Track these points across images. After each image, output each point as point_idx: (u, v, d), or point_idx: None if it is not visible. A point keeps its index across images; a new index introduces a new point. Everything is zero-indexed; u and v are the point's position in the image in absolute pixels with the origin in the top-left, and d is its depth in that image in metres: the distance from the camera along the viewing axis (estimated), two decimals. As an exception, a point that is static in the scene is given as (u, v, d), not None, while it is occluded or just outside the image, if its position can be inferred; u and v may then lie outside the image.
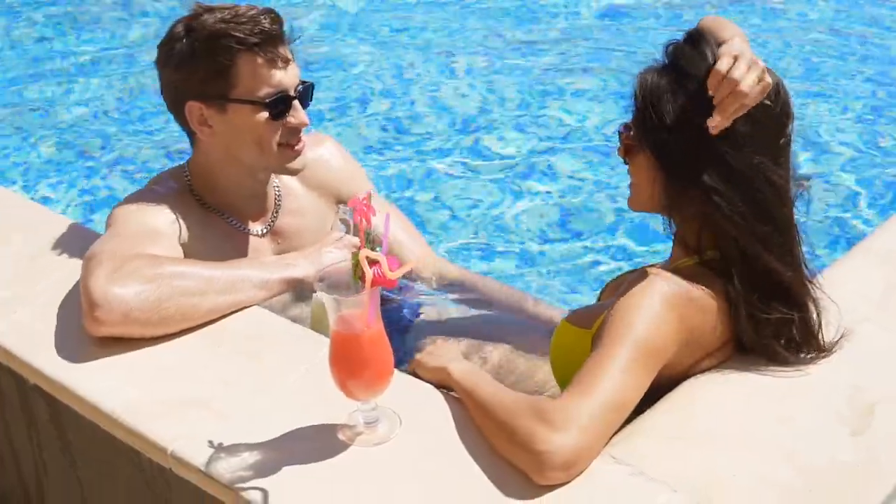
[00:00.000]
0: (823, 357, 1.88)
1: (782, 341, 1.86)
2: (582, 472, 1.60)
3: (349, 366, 1.67)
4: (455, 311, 2.64)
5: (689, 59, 1.80)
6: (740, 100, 1.72)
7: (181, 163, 2.43)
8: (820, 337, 1.89)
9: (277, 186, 2.44)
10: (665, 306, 1.73)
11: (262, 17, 2.16)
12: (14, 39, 5.96)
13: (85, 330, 1.98)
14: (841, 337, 1.90)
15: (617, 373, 1.65)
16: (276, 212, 2.44)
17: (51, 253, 2.33)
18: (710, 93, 1.73)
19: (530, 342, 2.38)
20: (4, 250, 2.38)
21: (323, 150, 2.56)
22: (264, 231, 2.41)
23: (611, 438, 1.68)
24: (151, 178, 2.46)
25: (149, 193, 2.34)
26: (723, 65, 1.72)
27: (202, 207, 2.34)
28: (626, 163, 1.92)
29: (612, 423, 1.64)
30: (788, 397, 1.81)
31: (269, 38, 2.16)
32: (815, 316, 1.88)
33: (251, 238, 2.39)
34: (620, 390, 1.64)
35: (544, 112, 4.81)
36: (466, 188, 4.18)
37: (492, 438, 1.68)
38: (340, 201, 2.54)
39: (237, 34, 2.13)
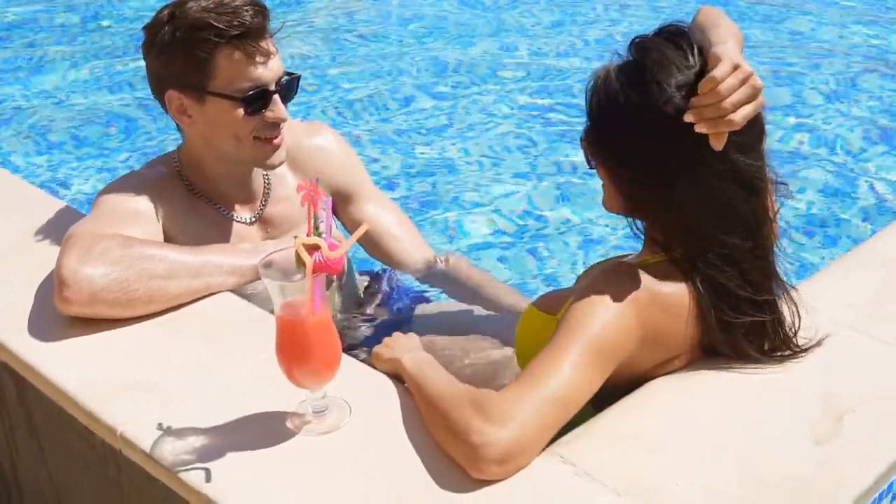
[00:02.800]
0: (798, 357, 1.82)
1: (754, 343, 1.80)
2: (521, 468, 1.56)
3: (295, 353, 1.65)
4: (448, 305, 2.61)
5: (659, 57, 1.70)
6: (720, 113, 1.60)
7: (173, 149, 2.43)
8: (794, 338, 1.83)
9: (267, 174, 2.43)
10: (625, 303, 1.68)
11: (244, 8, 2.12)
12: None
13: (56, 309, 1.99)
14: (818, 340, 1.84)
15: (565, 369, 1.60)
16: (266, 200, 2.42)
17: (35, 232, 2.34)
18: (700, 93, 1.62)
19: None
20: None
21: (320, 139, 2.54)
22: (253, 219, 2.40)
23: (560, 437, 1.64)
24: (145, 163, 2.47)
25: (136, 177, 2.34)
26: (718, 71, 1.60)
27: (190, 193, 2.34)
28: (591, 167, 1.87)
29: (555, 420, 1.58)
30: (754, 403, 1.75)
31: (250, 31, 2.12)
32: (788, 317, 1.82)
33: (239, 226, 2.38)
34: (566, 387, 1.59)
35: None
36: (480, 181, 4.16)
37: (432, 429, 1.65)
38: (335, 191, 2.52)
39: (217, 26, 2.10)
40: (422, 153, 4.42)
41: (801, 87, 4.90)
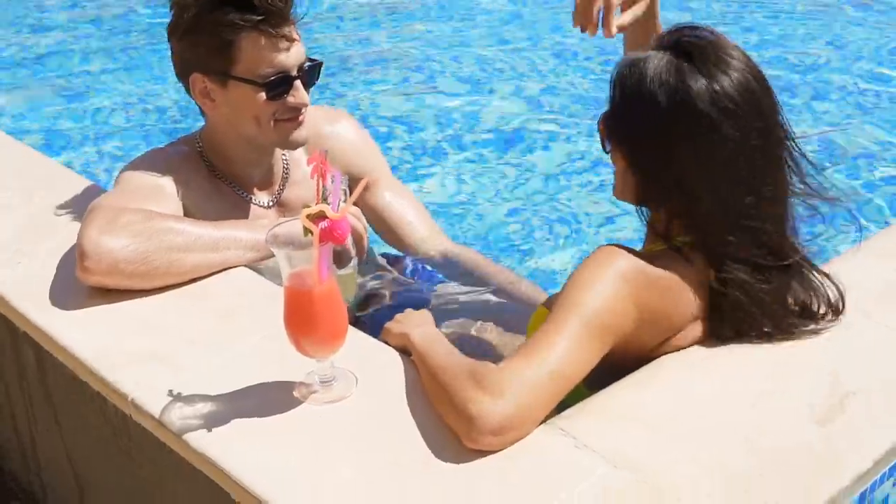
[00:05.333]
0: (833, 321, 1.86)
1: (773, 315, 1.81)
2: (516, 440, 1.58)
3: (302, 322, 1.67)
4: (461, 292, 2.63)
5: (699, 53, 1.73)
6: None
7: (196, 131, 2.46)
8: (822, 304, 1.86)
9: (286, 159, 2.46)
10: (620, 283, 1.69)
11: None
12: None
13: (77, 280, 2.03)
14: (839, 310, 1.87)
15: (562, 343, 1.62)
16: (284, 184, 2.46)
17: (58, 207, 2.40)
18: None
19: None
20: (18, 203, 2.46)
21: (338, 126, 2.58)
22: (271, 202, 2.43)
23: (560, 411, 1.66)
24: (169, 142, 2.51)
25: (159, 154, 2.39)
26: None
27: (211, 174, 2.37)
28: (606, 151, 1.88)
29: (552, 394, 1.60)
30: (759, 383, 1.76)
31: (274, 17, 2.16)
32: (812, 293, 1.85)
33: (258, 209, 2.41)
34: (563, 361, 1.60)
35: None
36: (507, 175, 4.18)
37: (433, 399, 1.67)
38: (352, 178, 2.54)
39: (241, 10, 2.14)
40: (444, 142, 4.45)
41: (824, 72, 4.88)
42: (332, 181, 1.63)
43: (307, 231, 1.60)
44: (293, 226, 1.65)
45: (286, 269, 1.65)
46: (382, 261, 2.76)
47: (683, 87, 1.71)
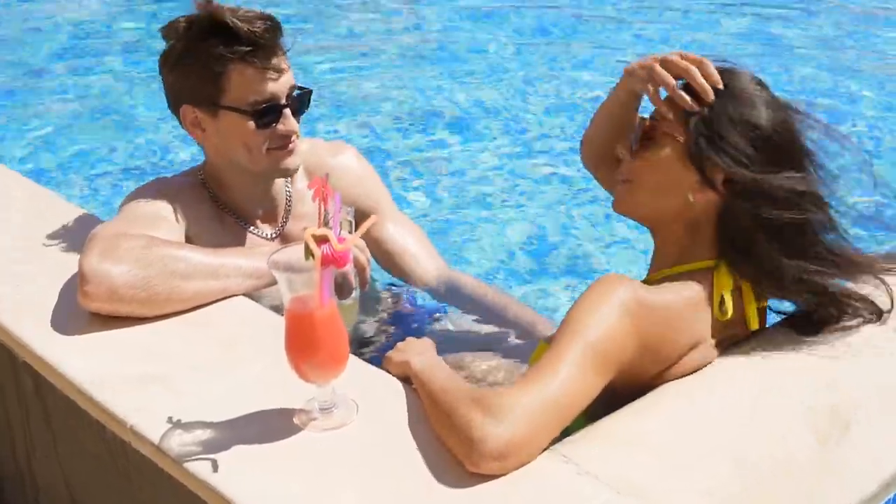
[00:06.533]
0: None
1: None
2: (519, 466, 1.56)
3: (302, 345, 1.66)
4: (464, 323, 2.62)
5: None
6: None
7: (201, 163, 2.47)
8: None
9: (289, 192, 2.46)
10: (622, 312, 1.69)
11: (257, 24, 2.17)
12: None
13: (78, 306, 2.02)
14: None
15: (563, 371, 1.61)
16: (287, 217, 2.46)
17: (59, 236, 2.39)
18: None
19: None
20: (16, 232, 2.47)
21: (342, 159, 2.59)
22: (274, 235, 2.43)
23: (561, 438, 1.65)
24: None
25: (162, 183, 2.40)
26: None
27: (214, 205, 2.38)
28: (633, 157, 1.87)
29: (554, 421, 1.59)
30: (764, 409, 1.74)
31: (262, 48, 2.17)
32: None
33: (260, 240, 2.41)
34: (564, 389, 1.60)
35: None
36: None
37: (434, 424, 1.66)
38: (355, 209, 2.55)
39: (229, 42, 2.15)
40: (447, 171, 4.47)
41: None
42: (334, 205, 1.63)
43: (308, 253, 1.60)
44: (294, 251, 1.65)
45: (287, 294, 1.65)
46: (384, 291, 2.75)
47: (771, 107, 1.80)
